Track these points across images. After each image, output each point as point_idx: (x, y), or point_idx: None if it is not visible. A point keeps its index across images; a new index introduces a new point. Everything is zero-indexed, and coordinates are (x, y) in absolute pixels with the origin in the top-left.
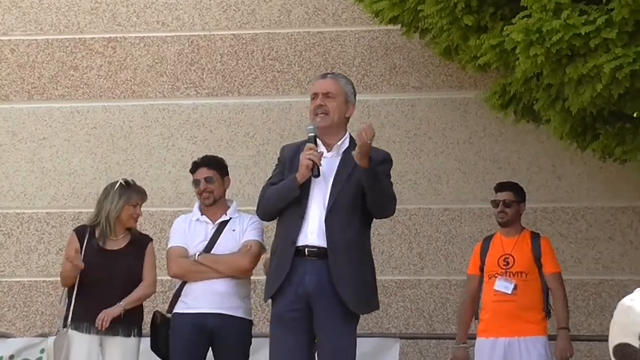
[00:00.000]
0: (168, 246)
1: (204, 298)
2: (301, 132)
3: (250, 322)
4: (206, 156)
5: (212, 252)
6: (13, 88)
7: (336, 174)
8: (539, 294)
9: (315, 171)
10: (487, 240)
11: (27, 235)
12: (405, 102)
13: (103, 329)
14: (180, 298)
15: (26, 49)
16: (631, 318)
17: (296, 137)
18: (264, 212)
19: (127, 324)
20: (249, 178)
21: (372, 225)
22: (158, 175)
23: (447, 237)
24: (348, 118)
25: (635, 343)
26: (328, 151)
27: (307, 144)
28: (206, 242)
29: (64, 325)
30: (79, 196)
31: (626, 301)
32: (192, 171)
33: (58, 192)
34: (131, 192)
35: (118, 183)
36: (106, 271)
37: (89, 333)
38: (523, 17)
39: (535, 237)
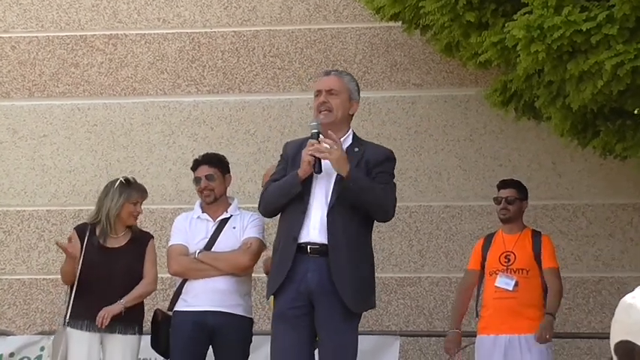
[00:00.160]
0: (169, 244)
1: (205, 295)
2: (302, 129)
3: (251, 320)
4: (207, 153)
5: (212, 250)
6: (14, 86)
7: None
8: (540, 291)
9: (316, 167)
10: (489, 237)
11: (27, 232)
12: (405, 99)
13: (104, 327)
14: (180, 296)
15: (27, 46)
16: (633, 316)
17: (297, 134)
18: (266, 208)
19: (128, 322)
20: (249, 176)
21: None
22: (159, 172)
23: (447, 234)
24: (352, 115)
25: (637, 341)
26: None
27: (309, 140)
28: (207, 240)
29: (64, 323)
30: (80, 193)
31: (628, 298)
32: (194, 168)
33: (58, 189)
34: (131, 190)
35: (118, 181)
36: (107, 268)
37: (89, 331)
38: (524, 14)
39: (536, 235)
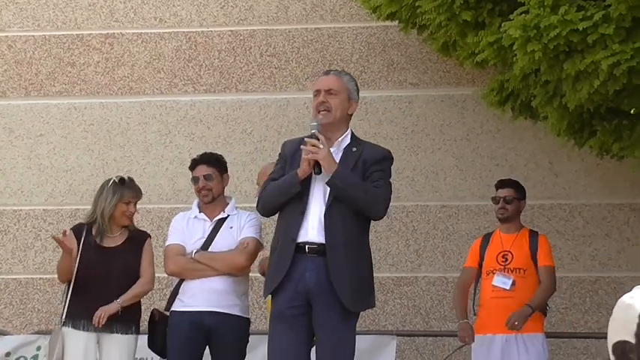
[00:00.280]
0: (166, 244)
1: (201, 296)
2: (299, 128)
3: (248, 320)
4: (205, 153)
5: (209, 249)
6: (10, 85)
7: None
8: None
9: (316, 169)
10: (487, 236)
11: (24, 232)
12: (402, 98)
13: (100, 326)
14: (177, 296)
15: (23, 45)
16: (630, 316)
17: (294, 133)
18: (265, 207)
19: (125, 321)
20: (246, 175)
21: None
22: (155, 171)
23: (444, 234)
24: (351, 114)
25: (634, 341)
26: (329, 147)
27: (306, 139)
28: (203, 240)
29: (60, 323)
30: (76, 192)
31: (626, 298)
32: (191, 168)
33: (55, 189)
34: (124, 189)
35: (112, 180)
36: (104, 268)
37: (86, 330)
38: (521, 13)
39: (533, 234)
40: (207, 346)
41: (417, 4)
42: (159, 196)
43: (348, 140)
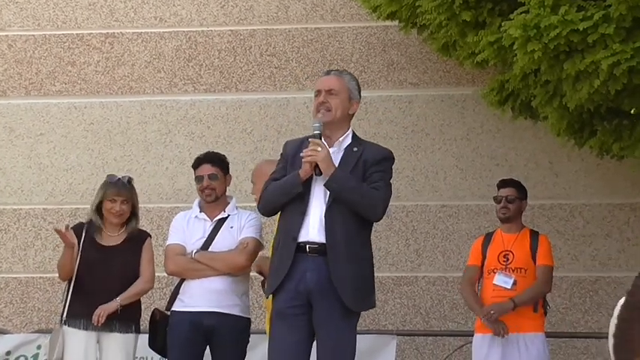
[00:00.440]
0: (167, 243)
1: (201, 296)
2: (299, 128)
3: (248, 320)
4: (209, 152)
5: (210, 249)
6: (11, 84)
7: None
8: None
9: (317, 170)
10: (488, 236)
11: (24, 231)
12: (402, 98)
13: (99, 325)
14: (178, 296)
15: (23, 44)
16: None
17: (294, 133)
18: (266, 207)
19: (125, 320)
20: (246, 175)
21: None
22: (155, 171)
23: (444, 234)
24: (352, 114)
25: (612, 341)
26: (330, 147)
27: (310, 139)
28: (204, 239)
29: (60, 322)
30: (77, 192)
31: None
32: (195, 167)
33: (55, 188)
34: (108, 187)
35: (105, 178)
36: (103, 267)
37: (86, 329)
38: (521, 13)
39: (534, 234)
40: (208, 346)
41: (417, 3)
42: (159, 195)
43: (349, 140)
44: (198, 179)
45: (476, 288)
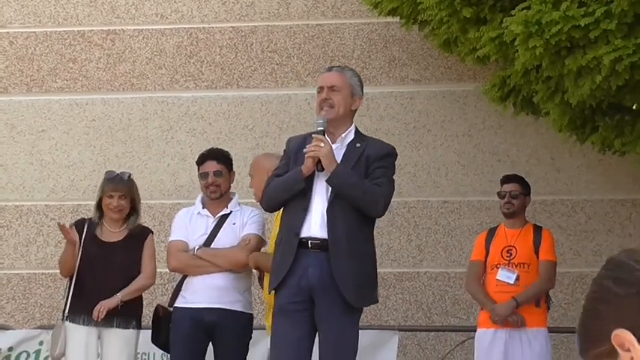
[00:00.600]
0: (169, 240)
1: (203, 292)
2: (300, 124)
3: (250, 316)
4: (213, 149)
5: (212, 246)
6: (12, 81)
7: None
8: None
9: (319, 166)
10: (491, 231)
11: (26, 227)
12: (404, 94)
13: (99, 320)
14: (180, 293)
15: (25, 41)
16: None
17: (295, 129)
18: (269, 203)
19: (126, 316)
20: (247, 171)
21: None
22: (157, 167)
23: (445, 229)
24: (355, 110)
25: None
26: (333, 143)
27: (314, 135)
28: (206, 236)
29: (62, 317)
30: (78, 188)
31: None
32: (199, 163)
33: (56, 184)
34: (106, 183)
35: (105, 174)
36: (104, 263)
37: (87, 325)
38: (522, 9)
39: (538, 229)
40: (211, 342)
41: (418, 0)
42: (160, 191)
43: (351, 136)
44: (203, 176)
45: (480, 281)
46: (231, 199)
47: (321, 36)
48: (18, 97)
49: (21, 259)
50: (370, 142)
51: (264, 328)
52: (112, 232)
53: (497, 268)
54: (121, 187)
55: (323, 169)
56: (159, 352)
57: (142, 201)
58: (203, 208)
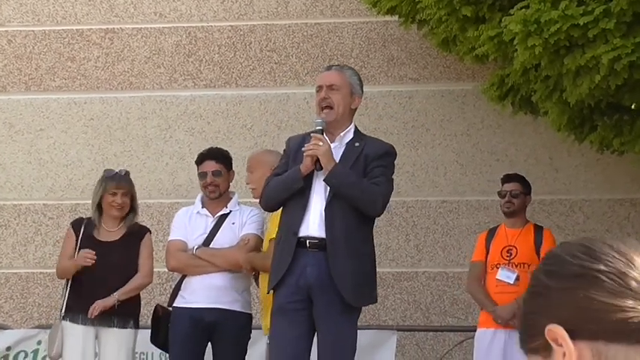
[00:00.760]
0: (168, 239)
1: (202, 292)
2: (299, 123)
3: (249, 316)
4: (212, 148)
5: (211, 245)
6: (10, 80)
7: None
8: None
9: (318, 165)
10: (491, 231)
11: (24, 226)
12: (402, 94)
13: (93, 317)
14: (179, 292)
15: (23, 40)
16: None
17: (294, 129)
18: (268, 203)
19: (123, 315)
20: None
21: None
22: (155, 166)
23: (444, 229)
24: (354, 109)
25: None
26: (332, 142)
27: (312, 134)
28: (205, 235)
29: (60, 317)
30: (77, 187)
31: None
32: (198, 163)
33: (55, 183)
34: (108, 180)
35: (103, 172)
36: (102, 262)
37: (85, 324)
38: (521, 8)
39: (538, 229)
40: (210, 342)
41: None
42: (159, 191)
43: (350, 135)
44: (202, 175)
45: (482, 282)
46: (231, 198)
47: (320, 35)
48: (16, 95)
49: (19, 259)
50: (369, 141)
51: (261, 328)
52: (109, 232)
53: (497, 267)
54: (123, 185)
55: (322, 168)
56: (157, 351)
57: (140, 200)
58: (202, 207)
